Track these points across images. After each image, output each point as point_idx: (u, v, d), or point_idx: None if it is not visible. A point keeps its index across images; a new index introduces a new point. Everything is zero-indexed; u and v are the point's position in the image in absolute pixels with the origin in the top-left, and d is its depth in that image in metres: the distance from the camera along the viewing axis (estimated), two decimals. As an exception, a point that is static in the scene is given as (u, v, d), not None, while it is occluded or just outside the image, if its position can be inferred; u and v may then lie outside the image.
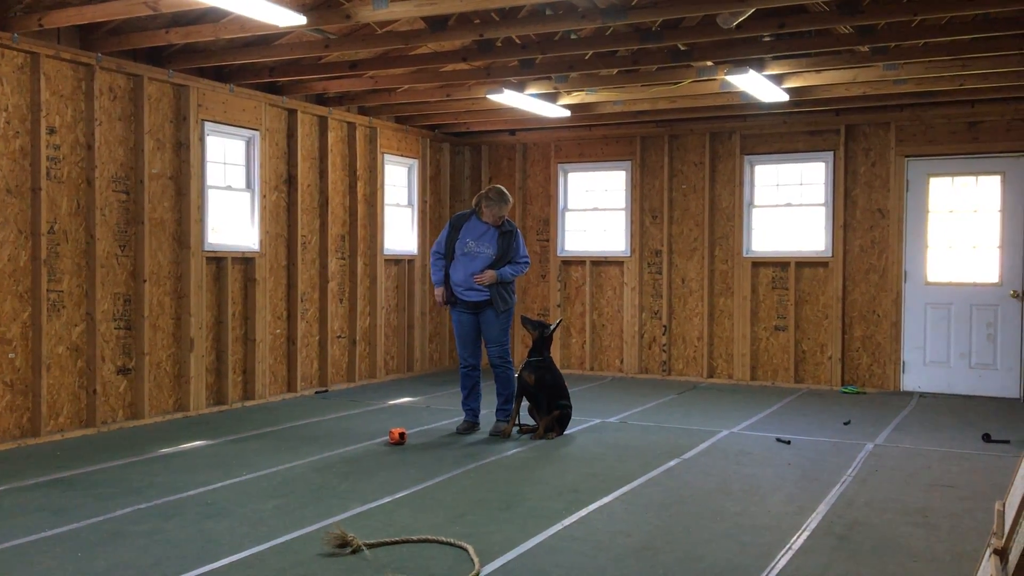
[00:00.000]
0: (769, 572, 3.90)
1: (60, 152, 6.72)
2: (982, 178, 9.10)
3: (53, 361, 6.69)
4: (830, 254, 9.55)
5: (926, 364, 9.26)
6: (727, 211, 9.98)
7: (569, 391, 7.20)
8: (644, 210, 10.37)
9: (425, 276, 10.53)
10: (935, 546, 4.30)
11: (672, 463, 5.98)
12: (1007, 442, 6.73)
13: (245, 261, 8.28)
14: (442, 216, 10.77)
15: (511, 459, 6.10)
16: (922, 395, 9.09)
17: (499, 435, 6.79)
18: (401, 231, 10.37)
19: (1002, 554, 2.77)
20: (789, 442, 6.67)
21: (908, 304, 9.29)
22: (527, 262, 6.95)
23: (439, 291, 6.84)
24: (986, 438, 6.82)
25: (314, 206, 9.00)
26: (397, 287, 10.22)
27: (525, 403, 7.07)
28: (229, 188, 8.18)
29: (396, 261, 10.17)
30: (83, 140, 6.86)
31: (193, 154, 7.61)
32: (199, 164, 7.69)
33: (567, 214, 10.82)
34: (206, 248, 7.82)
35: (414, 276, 10.40)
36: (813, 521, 4.68)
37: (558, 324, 7.23)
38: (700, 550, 4.18)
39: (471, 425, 6.99)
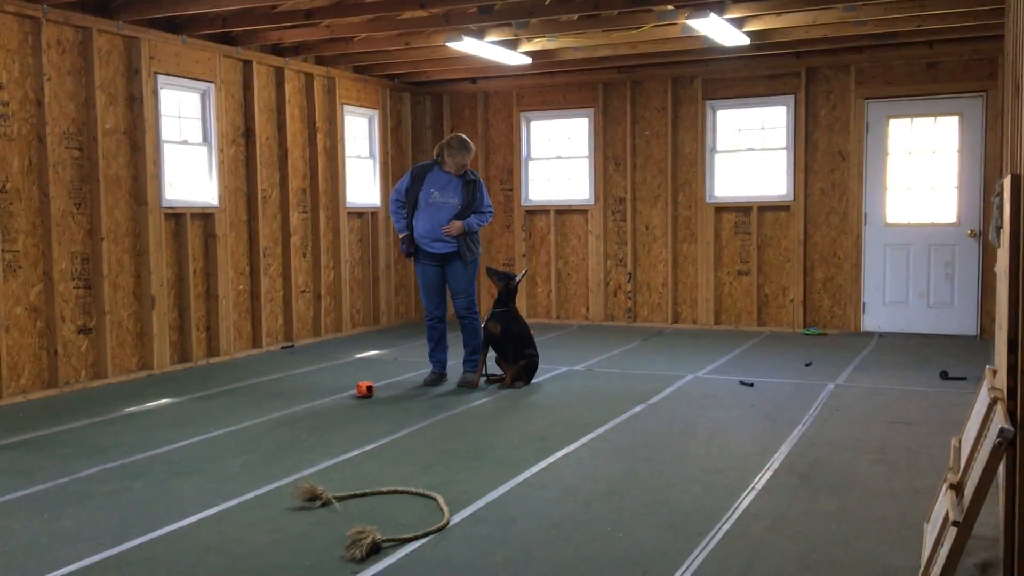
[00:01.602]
0: (733, 512, 3.98)
1: (9, 109, 6.53)
2: (940, 119, 9.16)
3: (12, 322, 6.58)
4: (791, 198, 9.60)
5: (886, 304, 9.39)
6: (690, 157, 9.98)
7: (535, 340, 7.22)
8: (608, 158, 10.34)
9: (389, 228, 10.47)
10: (894, 482, 4.40)
11: (638, 408, 6.03)
12: (964, 379, 6.88)
13: (204, 217, 8.17)
14: (404, 168, 10.66)
15: (479, 409, 6.12)
16: (882, 335, 9.24)
17: (467, 386, 6.81)
18: (363, 183, 10.27)
19: (957, 488, 2.84)
20: (752, 385, 6.74)
21: (868, 246, 9.39)
22: (491, 212, 6.93)
23: (404, 237, 6.80)
24: (943, 375, 6.96)
25: (273, 159, 8.88)
26: (361, 240, 10.16)
27: (492, 353, 7.09)
28: (185, 143, 8.02)
29: (359, 214, 10.10)
30: (32, 96, 6.68)
31: (147, 108, 7.44)
32: (153, 118, 7.52)
33: (530, 163, 10.77)
34: (164, 204, 7.69)
35: (378, 229, 10.33)
36: (776, 461, 4.75)
37: (524, 274, 7.24)
38: (666, 492, 4.24)
39: (439, 376, 7.01)
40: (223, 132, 8.29)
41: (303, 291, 9.31)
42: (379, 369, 7.70)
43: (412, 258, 6.96)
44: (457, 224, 6.71)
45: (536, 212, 10.73)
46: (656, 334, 9.61)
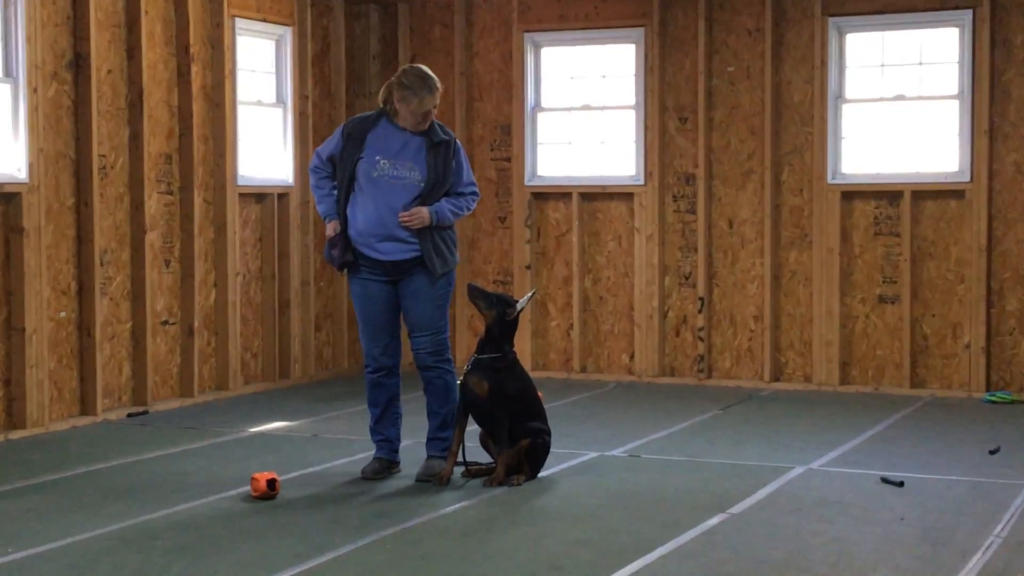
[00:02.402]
0: None
1: None
2: None
3: None
4: (967, 177, 9.59)
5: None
6: (801, 109, 9.97)
7: (545, 408, 7.16)
8: (667, 109, 10.33)
9: (308, 219, 10.45)
10: None
11: (714, 521, 5.97)
12: None
13: (5, 199, 8.11)
14: (335, 122, 10.59)
15: (453, 520, 6.07)
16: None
17: (433, 480, 6.77)
18: (267, 146, 10.24)
19: None
20: (902, 484, 6.71)
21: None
22: (476, 194, 6.94)
23: (331, 226, 6.79)
24: None
25: (120, 106, 8.87)
26: (261, 240, 10.11)
27: (474, 427, 7.01)
28: (-25, 77, 8.01)
29: (259, 197, 10.06)
30: None
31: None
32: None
33: (540, 116, 10.74)
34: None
35: (289, 221, 10.30)
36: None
37: (529, 298, 7.20)
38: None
39: (387, 465, 6.99)
40: (37, 61, 8.25)
41: (165, 322, 9.25)
42: (288, 452, 7.65)
43: (345, 270, 6.92)
44: (421, 212, 6.68)
45: (549, 197, 10.69)
46: (744, 399, 9.56)
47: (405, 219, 6.68)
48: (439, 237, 6.78)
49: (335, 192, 6.86)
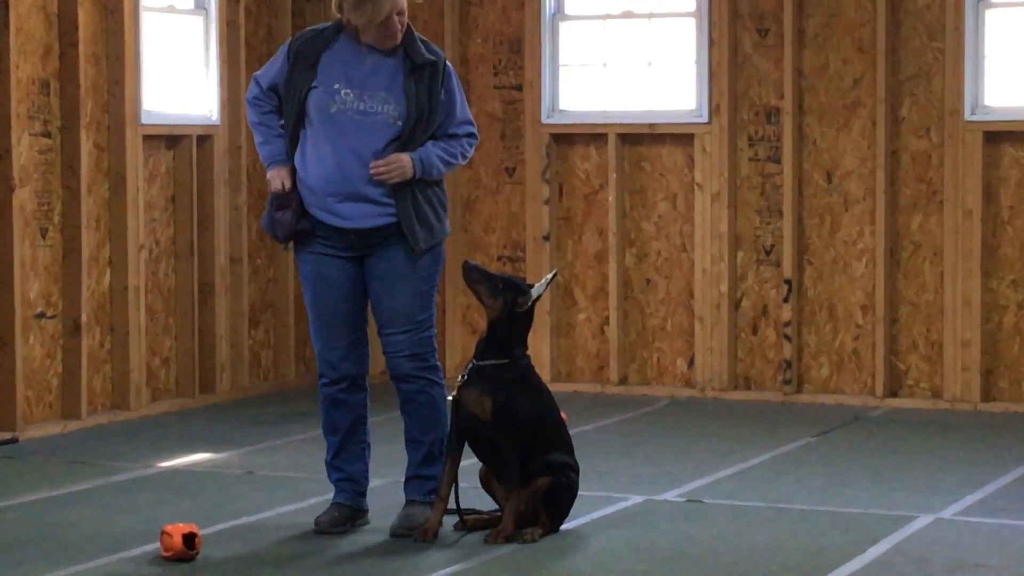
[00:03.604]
0: None
1: None
2: None
3: None
4: None
5: None
6: (927, 16, 9.99)
7: (571, 435, 7.16)
8: (740, 16, 10.36)
9: (240, 170, 10.50)
10: None
11: (808, 594, 5.98)
12: None
13: None
14: (277, 38, 10.69)
15: (442, 593, 6.06)
16: None
17: (415, 534, 6.77)
18: (182, 70, 10.30)
19: None
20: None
21: None
22: (473, 135, 6.95)
23: (277, 176, 6.77)
24: None
25: (-26, 14, 8.87)
26: (175, 200, 10.17)
27: (471, 461, 7.03)
28: None
29: (171, 140, 10.12)
30: None
31: None
32: None
33: (563, 26, 10.80)
34: None
35: (213, 174, 10.34)
36: None
37: (548, 283, 7.16)
38: None
39: (351, 513, 6.99)
40: None
41: (41, 316, 9.29)
42: (212, 496, 7.68)
43: (291, 243, 6.94)
44: (401, 161, 6.68)
45: (576, 140, 10.75)
46: (849, 421, 9.60)
47: (379, 170, 6.67)
48: (423, 197, 6.78)
49: (278, 134, 6.87)
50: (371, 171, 6.67)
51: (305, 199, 6.80)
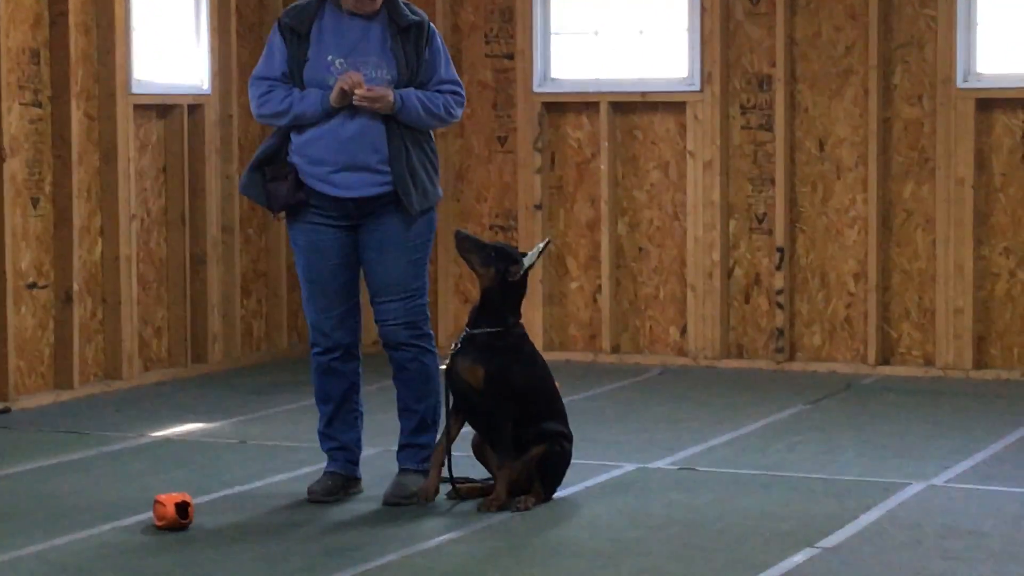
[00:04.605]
0: None
1: None
2: None
3: None
4: None
5: None
6: (920, -17, 9.97)
7: (564, 403, 7.17)
8: (731, -17, 10.35)
9: (231, 139, 10.49)
10: None
11: (798, 558, 5.97)
12: None
13: None
14: (268, 7, 10.68)
15: (436, 558, 6.07)
16: None
17: (408, 502, 6.80)
18: (173, 38, 10.27)
19: None
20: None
21: None
22: (458, 94, 6.92)
23: (346, 79, 6.61)
24: None
25: (-37, -17, 8.86)
26: (167, 170, 10.17)
27: (466, 430, 7.03)
28: None
29: (163, 110, 10.12)
30: None
31: None
32: None
33: (554, -6, 10.79)
34: None
35: (205, 143, 10.33)
36: None
37: (541, 251, 7.15)
38: None
39: (343, 482, 7.01)
40: None
41: (33, 286, 9.29)
42: (204, 465, 7.70)
43: (291, 215, 6.92)
44: (386, 91, 6.64)
45: (568, 108, 10.75)
46: (841, 389, 9.63)
47: (362, 93, 6.58)
48: (417, 159, 6.79)
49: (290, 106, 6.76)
50: (355, 95, 6.63)
51: (301, 170, 6.80)
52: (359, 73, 6.67)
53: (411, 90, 6.76)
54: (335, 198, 6.79)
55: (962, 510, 6.73)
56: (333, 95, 6.67)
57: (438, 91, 6.86)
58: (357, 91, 6.65)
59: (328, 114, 6.73)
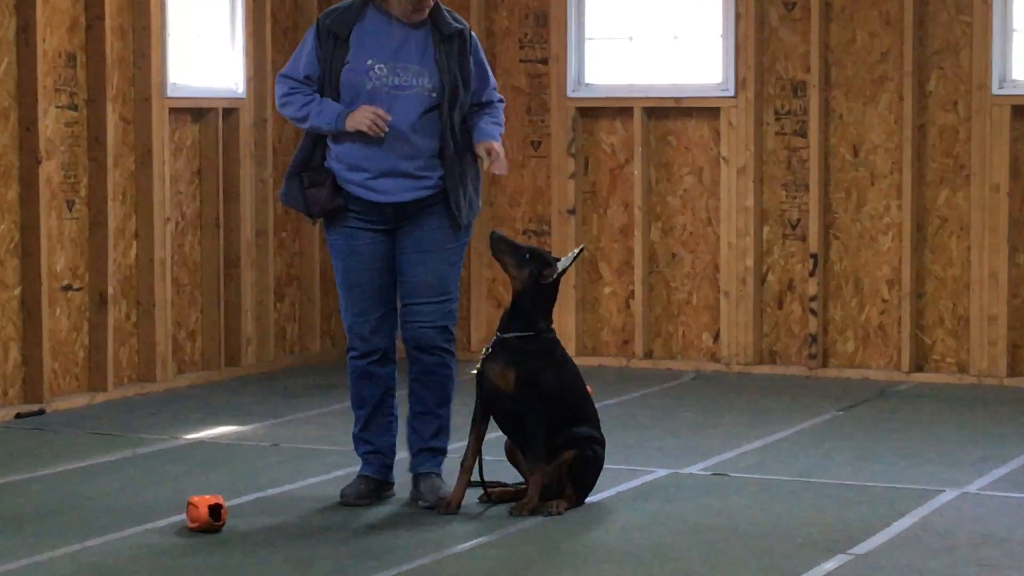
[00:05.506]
0: None
1: None
2: None
3: None
4: None
5: None
6: (956, -11, 9.95)
7: (596, 408, 7.16)
8: (767, -11, 10.33)
9: (265, 144, 10.47)
10: None
11: (830, 565, 5.97)
12: None
13: None
14: (305, 8, 10.69)
15: (467, 563, 6.08)
16: None
17: (438, 508, 6.79)
18: (208, 43, 10.29)
19: None
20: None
21: None
22: (502, 100, 6.98)
23: (364, 116, 6.57)
24: None
25: (-4, -16, 8.89)
26: (201, 173, 10.16)
27: (495, 433, 7.03)
28: None
29: (197, 113, 10.12)
30: None
31: None
32: None
33: (587, 0, 10.75)
34: None
35: (239, 147, 10.33)
36: None
37: (575, 257, 7.14)
38: None
39: (377, 486, 7.01)
40: None
41: (68, 288, 9.30)
42: (238, 468, 7.70)
43: (329, 220, 6.90)
44: (501, 146, 6.75)
45: (602, 114, 10.73)
46: (874, 396, 9.60)
47: (499, 162, 6.74)
48: (468, 174, 6.83)
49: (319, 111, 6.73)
50: (492, 165, 6.74)
51: (340, 176, 6.80)
52: (388, 115, 6.63)
53: (489, 123, 6.83)
54: (375, 203, 6.79)
55: (996, 518, 6.70)
56: (351, 123, 6.66)
57: (490, 100, 6.91)
58: (493, 161, 6.72)
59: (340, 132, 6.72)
